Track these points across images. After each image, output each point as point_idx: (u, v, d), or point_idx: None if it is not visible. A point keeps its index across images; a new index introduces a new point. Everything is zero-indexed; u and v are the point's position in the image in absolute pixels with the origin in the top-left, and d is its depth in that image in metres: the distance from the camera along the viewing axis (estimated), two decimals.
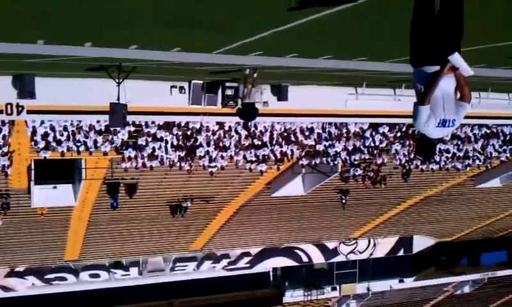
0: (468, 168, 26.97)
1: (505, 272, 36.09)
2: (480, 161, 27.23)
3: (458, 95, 4.99)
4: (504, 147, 27.34)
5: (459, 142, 25.99)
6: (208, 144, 21.65)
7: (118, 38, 11.20)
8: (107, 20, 9.38)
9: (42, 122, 19.28)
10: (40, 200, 21.30)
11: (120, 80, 15.10)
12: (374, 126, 24.04)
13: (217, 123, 21.24)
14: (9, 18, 8.93)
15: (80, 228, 24.21)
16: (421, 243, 33.59)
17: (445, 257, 35.84)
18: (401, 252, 33.35)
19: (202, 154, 21.72)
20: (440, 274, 35.16)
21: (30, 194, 21.04)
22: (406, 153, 25.08)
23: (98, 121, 19.71)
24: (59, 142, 19.61)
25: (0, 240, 23.38)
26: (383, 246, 32.75)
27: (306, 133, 22.87)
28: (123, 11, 8.73)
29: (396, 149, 24.78)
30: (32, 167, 20.21)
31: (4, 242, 23.53)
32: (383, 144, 24.46)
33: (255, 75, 16.48)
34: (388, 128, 24.26)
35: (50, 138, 19.52)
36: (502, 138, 27.37)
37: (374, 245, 32.48)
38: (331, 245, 31.61)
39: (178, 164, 21.64)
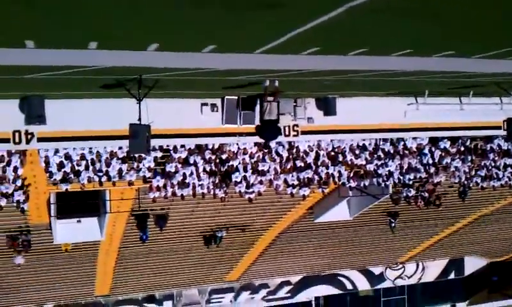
0: None
1: None
2: None
3: None
4: None
5: None
6: (245, 169, 18.16)
7: (133, 36, 7.90)
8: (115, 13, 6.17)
9: (56, 151, 16.11)
10: (63, 236, 19.03)
11: (141, 97, 11.82)
12: (434, 141, 20.31)
13: (256, 143, 17.88)
14: None
15: (109, 262, 21.86)
16: (473, 264, 30.14)
17: (497, 278, 31.59)
18: (452, 275, 30.19)
19: (238, 180, 18.31)
20: (495, 297, 31.21)
21: (51, 229, 18.57)
22: (467, 170, 21.12)
23: (120, 148, 16.45)
24: (77, 173, 16.41)
25: (25, 278, 21.22)
26: (433, 269, 29.54)
27: (357, 152, 19.12)
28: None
29: (456, 166, 20.80)
30: (53, 200, 17.69)
31: (29, 279, 21.39)
32: (443, 161, 20.55)
33: (276, 84, 13.11)
34: (449, 142, 20.42)
35: (67, 168, 16.33)
36: None
37: (423, 268, 29.20)
38: (376, 270, 28.75)
39: (211, 192, 18.20)
